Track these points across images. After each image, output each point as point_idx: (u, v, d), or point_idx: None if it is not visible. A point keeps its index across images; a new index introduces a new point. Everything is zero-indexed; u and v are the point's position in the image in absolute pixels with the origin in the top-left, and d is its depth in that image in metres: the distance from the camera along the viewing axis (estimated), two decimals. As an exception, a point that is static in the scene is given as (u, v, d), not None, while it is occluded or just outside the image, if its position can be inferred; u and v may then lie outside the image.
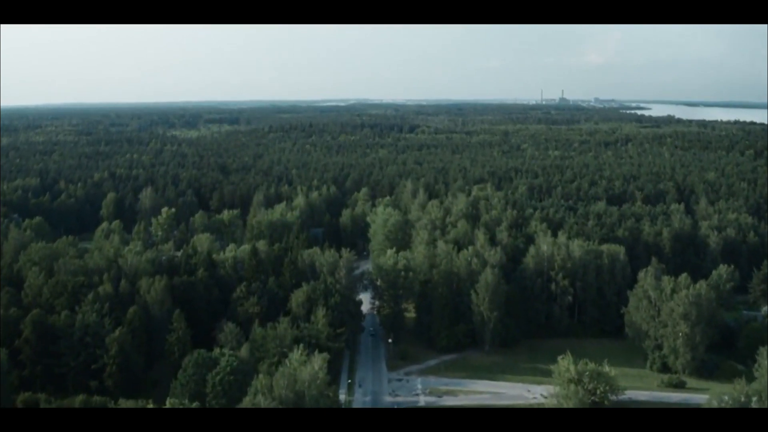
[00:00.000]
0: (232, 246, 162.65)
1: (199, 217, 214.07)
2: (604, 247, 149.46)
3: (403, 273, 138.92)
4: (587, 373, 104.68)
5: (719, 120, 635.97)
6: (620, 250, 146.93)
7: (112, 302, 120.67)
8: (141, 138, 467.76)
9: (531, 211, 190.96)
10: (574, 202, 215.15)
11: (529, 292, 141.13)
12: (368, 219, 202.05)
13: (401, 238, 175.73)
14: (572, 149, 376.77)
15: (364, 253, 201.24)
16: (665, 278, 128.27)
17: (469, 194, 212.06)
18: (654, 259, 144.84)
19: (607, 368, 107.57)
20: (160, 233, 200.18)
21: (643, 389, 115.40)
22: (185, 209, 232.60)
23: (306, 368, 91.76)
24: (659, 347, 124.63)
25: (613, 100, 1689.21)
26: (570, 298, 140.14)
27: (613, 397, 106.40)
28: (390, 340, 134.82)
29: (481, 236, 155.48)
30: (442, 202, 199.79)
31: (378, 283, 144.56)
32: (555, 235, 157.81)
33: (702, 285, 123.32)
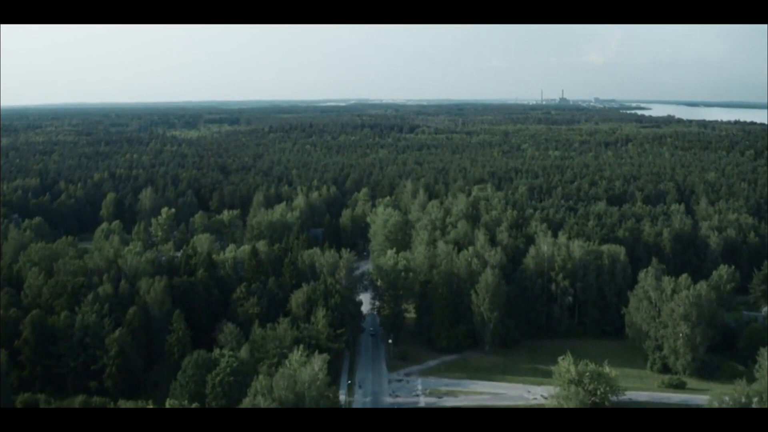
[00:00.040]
0: (232, 246, 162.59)
1: (199, 218, 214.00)
2: (605, 247, 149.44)
3: (403, 273, 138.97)
4: (587, 373, 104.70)
5: (719, 120, 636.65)
6: (620, 251, 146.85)
7: (111, 303, 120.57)
8: (141, 138, 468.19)
9: (531, 211, 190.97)
10: (575, 203, 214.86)
11: (530, 293, 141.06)
12: (368, 219, 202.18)
13: (401, 239, 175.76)
14: (572, 149, 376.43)
15: (364, 253, 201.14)
16: (666, 279, 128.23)
17: (469, 194, 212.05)
18: (654, 260, 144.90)
19: (607, 369, 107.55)
20: (159, 233, 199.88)
21: (643, 390, 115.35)
22: (185, 209, 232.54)
23: (306, 369, 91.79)
24: (660, 348, 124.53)
25: (613, 100, 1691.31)
26: (570, 298, 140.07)
27: (614, 398, 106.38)
28: (390, 341, 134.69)
29: (481, 237, 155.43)
30: (442, 203, 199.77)
31: (378, 283, 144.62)
32: (555, 235, 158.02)
33: (702, 285, 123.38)
